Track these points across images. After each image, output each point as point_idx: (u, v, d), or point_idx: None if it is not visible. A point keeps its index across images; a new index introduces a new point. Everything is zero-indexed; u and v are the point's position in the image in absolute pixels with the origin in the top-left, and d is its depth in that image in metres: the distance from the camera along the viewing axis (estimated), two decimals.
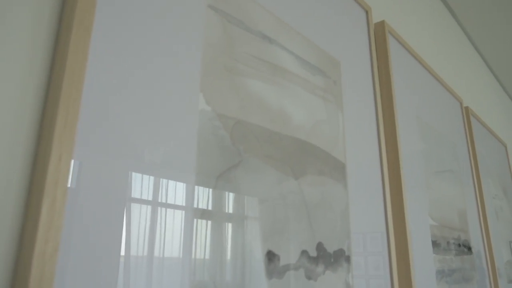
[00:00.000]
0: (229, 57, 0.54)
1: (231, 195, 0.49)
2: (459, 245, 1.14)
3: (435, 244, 1.00)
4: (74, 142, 0.34)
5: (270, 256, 0.52)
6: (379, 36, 1.00)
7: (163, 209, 0.41)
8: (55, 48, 0.36)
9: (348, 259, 0.67)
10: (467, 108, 1.56)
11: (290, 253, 0.55)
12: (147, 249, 0.39)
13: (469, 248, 1.21)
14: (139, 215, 0.40)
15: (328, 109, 0.72)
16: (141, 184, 0.40)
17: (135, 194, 0.39)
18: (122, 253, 0.37)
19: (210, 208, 0.46)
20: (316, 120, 0.68)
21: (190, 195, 0.44)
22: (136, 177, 0.40)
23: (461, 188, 1.28)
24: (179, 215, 0.43)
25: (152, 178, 0.41)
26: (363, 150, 0.80)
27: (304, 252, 0.58)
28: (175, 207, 0.43)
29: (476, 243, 1.29)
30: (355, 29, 0.89)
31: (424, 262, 0.93)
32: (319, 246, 0.61)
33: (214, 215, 0.46)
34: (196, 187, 0.45)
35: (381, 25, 1.00)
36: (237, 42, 0.56)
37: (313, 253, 0.60)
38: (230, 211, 0.48)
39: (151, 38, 0.44)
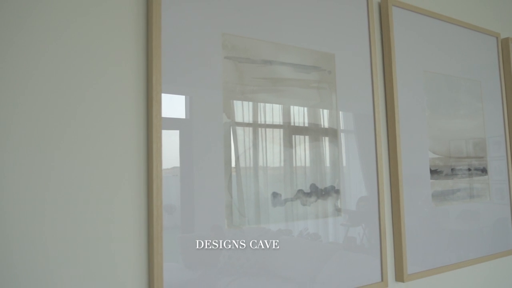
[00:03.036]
0: (240, 85, 0.92)
1: (251, 167, 0.91)
2: (469, 169, 1.41)
3: (435, 172, 1.30)
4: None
5: (275, 195, 0.95)
6: (383, 13, 1.24)
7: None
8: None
9: (337, 191, 1.06)
10: (506, 39, 1.65)
11: (289, 191, 0.97)
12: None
13: (483, 171, 1.46)
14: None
15: (322, 94, 1.06)
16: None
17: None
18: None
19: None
20: (310, 106, 1.03)
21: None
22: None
23: (482, 120, 1.50)
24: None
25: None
26: (356, 115, 1.13)
27: (300, 190, 0.99)
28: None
29: (495, 165, 1.52)
30: (353, 13, 1.16)
31: (419, 187, 1.25)
32: (312, 186, 1.01)
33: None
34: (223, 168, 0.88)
35: (384, 3, 1.24)
36: (246, 72, 0.93)
37: (307, 190, 1.00)
38: (256, 169, 0.91)
39: (190, 86, 0.85)
